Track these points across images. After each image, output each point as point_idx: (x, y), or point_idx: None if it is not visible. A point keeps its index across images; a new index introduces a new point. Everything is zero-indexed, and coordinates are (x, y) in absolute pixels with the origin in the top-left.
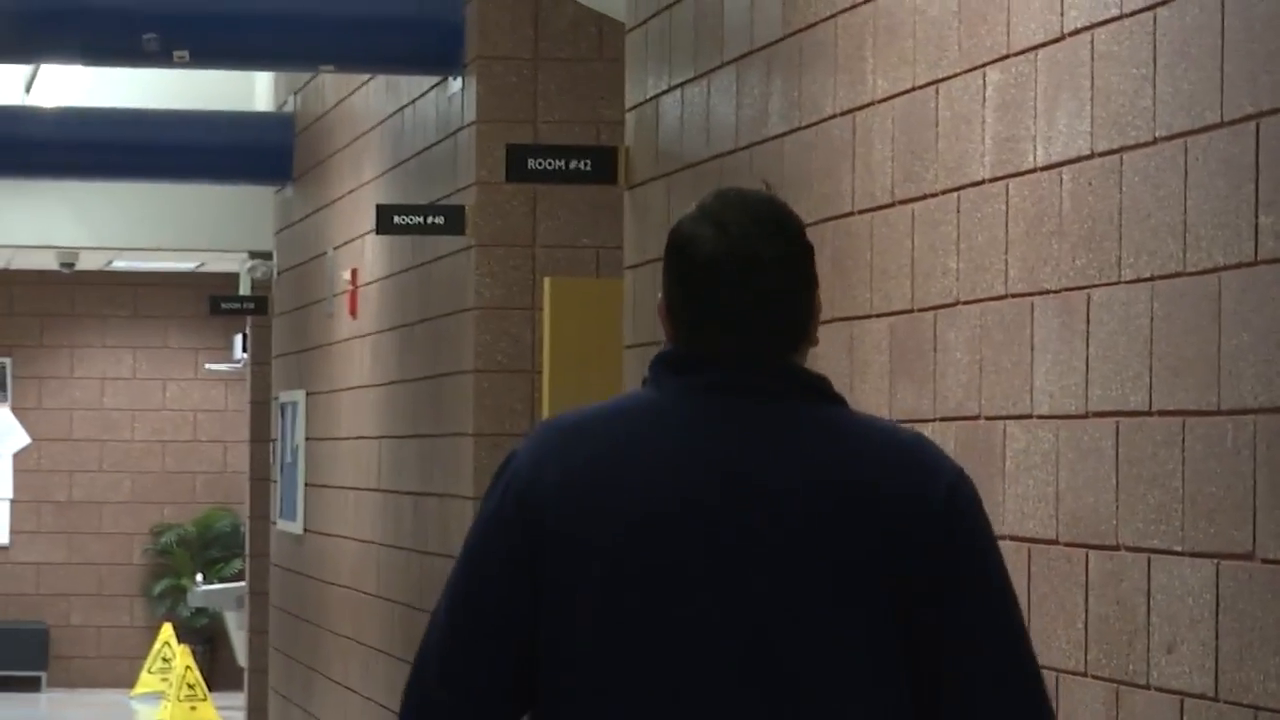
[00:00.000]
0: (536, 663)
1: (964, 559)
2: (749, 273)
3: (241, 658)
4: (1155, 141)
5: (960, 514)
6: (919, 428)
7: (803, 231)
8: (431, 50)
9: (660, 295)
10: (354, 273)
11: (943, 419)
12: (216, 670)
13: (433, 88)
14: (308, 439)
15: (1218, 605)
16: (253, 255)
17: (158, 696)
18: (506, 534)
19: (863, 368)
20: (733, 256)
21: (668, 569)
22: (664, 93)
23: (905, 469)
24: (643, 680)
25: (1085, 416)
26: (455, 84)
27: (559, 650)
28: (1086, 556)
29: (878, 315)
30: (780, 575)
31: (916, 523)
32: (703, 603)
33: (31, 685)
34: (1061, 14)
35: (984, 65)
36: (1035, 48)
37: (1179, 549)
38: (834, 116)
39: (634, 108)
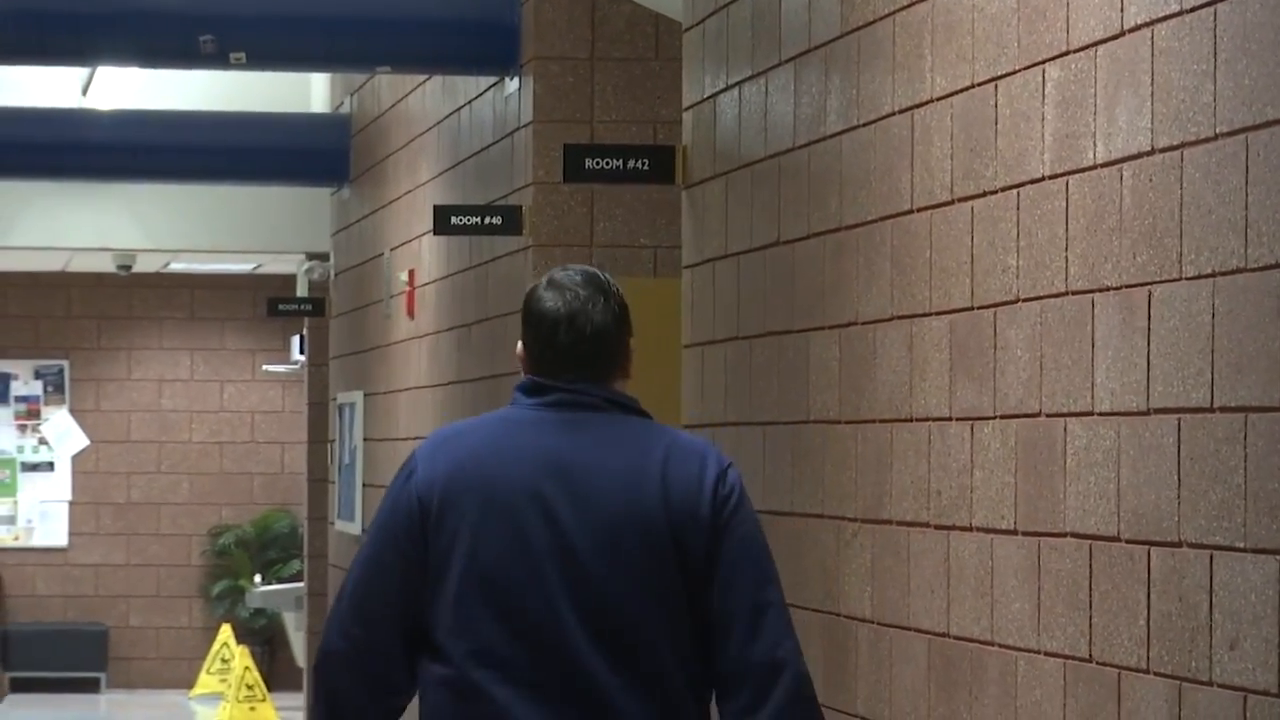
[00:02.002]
0: (423, 600)
1: (729, 524)
2: (581, 325)
3: (300, 658)
4: (1216, 137)
5: (728, 491)
6: (979, 425)
7: (620, 295)
8: (488, 51)
9: (519, 343)
10: (411, 273)
11: (1003, 416)
12: (275, 671)
13: (489, 88)
14: (366, 440)
15: None
16: (310, 257)
17: (217, 697)
18: (407, 509)
19: (922, 366)
20: (571, 314)
21: (516, 526)
22: (721, 91)
23: (687, 459)
24: (496, 602)
25: (1147, 413)
26: (512, 84)
27: (440, 586)
28: (1148, 553)
29: (937, 313)
30: (596, 530)
31: (695, 497)
32: (540, 550)
33: (91, 686)
34: (1121, 10)
35: (1043, 62)
36: (1095, 44)
37: (1241, 545)
38: (893, 114)
39: (691, 107)
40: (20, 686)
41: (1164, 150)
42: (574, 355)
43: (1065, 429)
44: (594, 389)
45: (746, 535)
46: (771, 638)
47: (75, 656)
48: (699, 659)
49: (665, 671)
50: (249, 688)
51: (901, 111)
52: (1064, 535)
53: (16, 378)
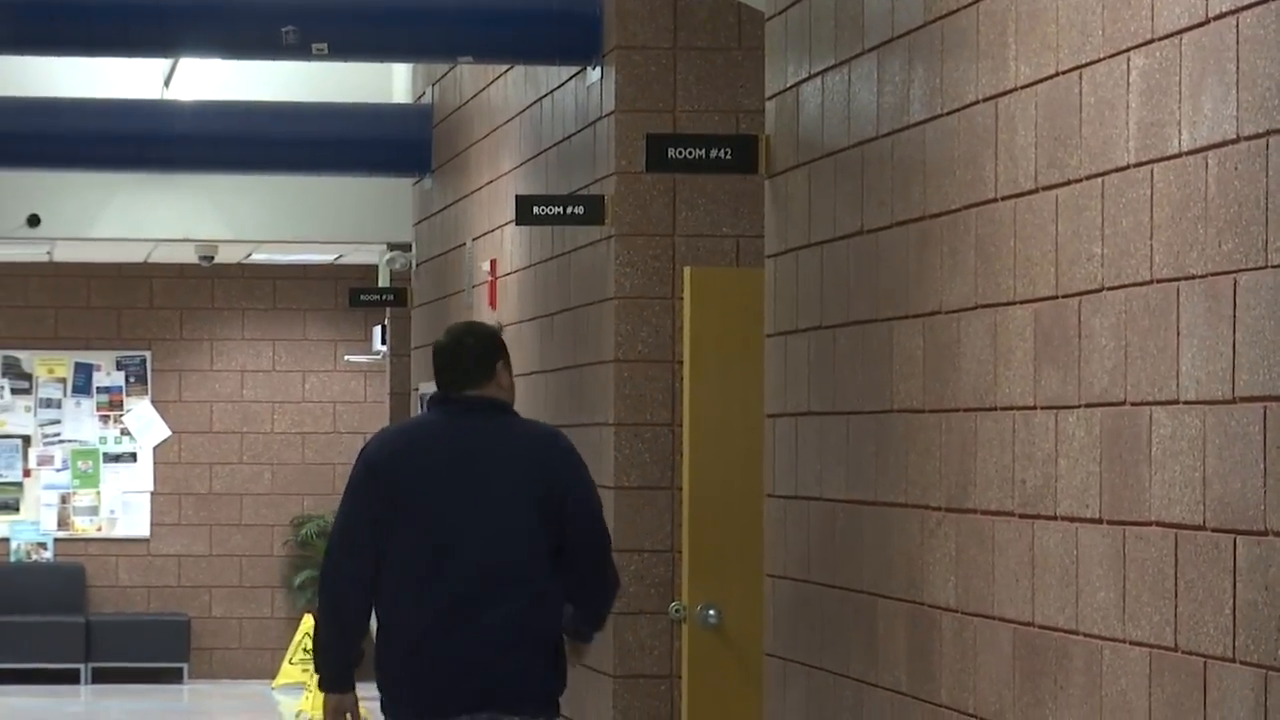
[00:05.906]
0: (383, 536)
1: (571, 485)
2: (462, 356)
3: None
4: None
5: (570, 461)
6: (1063, 414)
7: (492, 335)
8: (570, 40)
9: (434, 369)
10: (493, 263)
11: (1088, 405)
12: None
13: (571, 78)
14: None
15: None
16: (392, 247)
17: (299, 687)
18: (367, 483)
19: (1007, 354)
20: (458, 348)
21: (439, 494)
22: (804, 81)
23: (544, 439)
24: (427, 547)
25: (1232, 402)
26: (594, 74)
27: (392, 531)
28: (1234, 542)
29: (1022, 302)
30: (493, 489)
31: (549, 468)
32: (456, 508)
33: (174, 676)
34: None
35: (1128, 50)
36: (1180, 32)
37: None
38: (976, 103)
39: (774, 96)
40: (103, 677)
41: (1249, 138)
42: (466, 376)
43: (1150, 417)
44: (481, 398)
45: (586, 493)
46: (599, 561)
47: (158, 647)
48: (555, 571)
49: (532, 580)
50: None
51: (985, 100)
52: (1149, 524)
53: (99, 369)
